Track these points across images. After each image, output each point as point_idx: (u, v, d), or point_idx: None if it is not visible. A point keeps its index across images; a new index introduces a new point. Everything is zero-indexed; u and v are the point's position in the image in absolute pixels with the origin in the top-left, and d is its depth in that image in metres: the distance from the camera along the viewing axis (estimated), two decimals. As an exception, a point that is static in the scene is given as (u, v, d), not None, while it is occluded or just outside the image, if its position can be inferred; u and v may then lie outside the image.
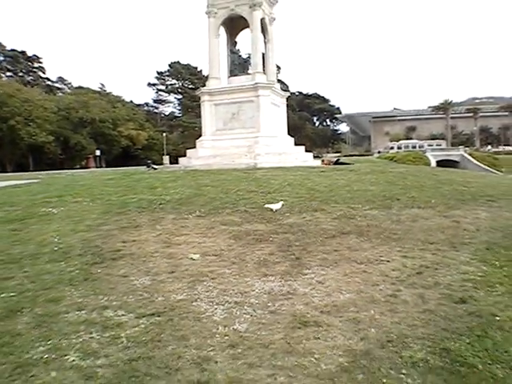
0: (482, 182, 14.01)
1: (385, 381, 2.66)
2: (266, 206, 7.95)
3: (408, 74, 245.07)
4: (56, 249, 5.73)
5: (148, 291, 4.20)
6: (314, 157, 24.74)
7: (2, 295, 4.21)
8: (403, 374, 2.75)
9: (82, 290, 4.28)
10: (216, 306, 3.85)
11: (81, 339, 3.26)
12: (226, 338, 3.29)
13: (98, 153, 76.92)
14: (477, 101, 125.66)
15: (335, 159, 28.88)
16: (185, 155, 22.35)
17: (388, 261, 5.01)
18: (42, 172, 41.95)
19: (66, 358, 3.01)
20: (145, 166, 26.50)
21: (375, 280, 4.41)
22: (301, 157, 21.24)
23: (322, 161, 25.73)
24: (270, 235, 6.17)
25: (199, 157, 19.99)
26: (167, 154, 73.53)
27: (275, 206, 7.84)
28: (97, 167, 68.51)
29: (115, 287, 4.30)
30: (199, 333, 3.35)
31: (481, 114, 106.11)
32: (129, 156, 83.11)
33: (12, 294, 4.22)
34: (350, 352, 3.02)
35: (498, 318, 3.49)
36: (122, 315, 3.68)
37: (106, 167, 65.39)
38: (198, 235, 6.24)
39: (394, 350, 3.03)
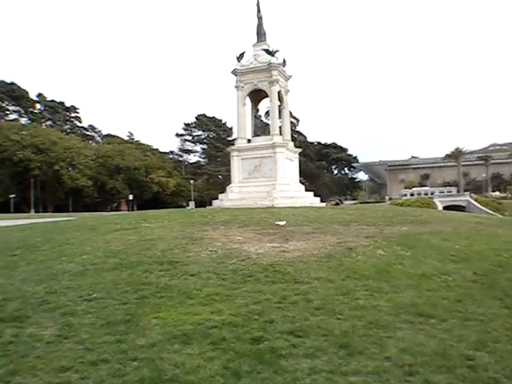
0: (433, 216, 19.47)
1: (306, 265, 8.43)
2: (276, 222, 13.77)
3: (431, 121, 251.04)
4: (169, 237, 11.59)
5: (222, 246, 10.00)
6: (322, 201, 30.55)
7: (160, 247, 10.05)
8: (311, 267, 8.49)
9: (193, 246, 10.09)
10: (251, 248, 9.65)
11: (205, 251, 9.14)
12: (256, 252, 9.11)
13: (130, 197, 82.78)
14: (491, 148, 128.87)
15: (335, 202, 34.83)
16: (214, 199, 28.60)
17: (329, 240, 10.73)
18: (85, 213, 48.10)
19: (206, 251, 8.87)
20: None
21: (319, 244, 10.12)
22: (309, 200, 27.12)
23: (326, 203, 31.63)
24: (276, 233, 11.94)
25: (229, 199, 25.97)
26: (193, 200, 79.35)
27: (281, 223, 13.66)
28: (129, 210, 74.59)
29: (208, 245, 10.10)
30: (246, 252, 9.18)
31: (492, 161, 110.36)
32: (158, 201, 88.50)
33: (165, 246, 10.05)
34: (298, 254, 8.78)
35: (358, 250, 9.19)
36: (216, 249, 9.52)
37: (138, 210, 71.48)
38: (239, 233, 12.03)
39: (315, 256, 8.77)
